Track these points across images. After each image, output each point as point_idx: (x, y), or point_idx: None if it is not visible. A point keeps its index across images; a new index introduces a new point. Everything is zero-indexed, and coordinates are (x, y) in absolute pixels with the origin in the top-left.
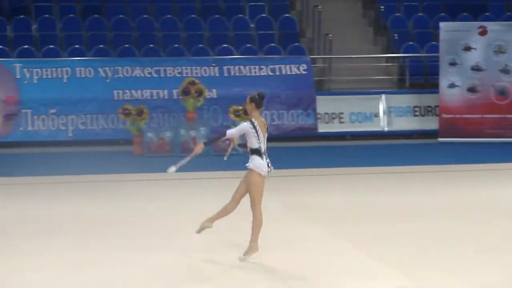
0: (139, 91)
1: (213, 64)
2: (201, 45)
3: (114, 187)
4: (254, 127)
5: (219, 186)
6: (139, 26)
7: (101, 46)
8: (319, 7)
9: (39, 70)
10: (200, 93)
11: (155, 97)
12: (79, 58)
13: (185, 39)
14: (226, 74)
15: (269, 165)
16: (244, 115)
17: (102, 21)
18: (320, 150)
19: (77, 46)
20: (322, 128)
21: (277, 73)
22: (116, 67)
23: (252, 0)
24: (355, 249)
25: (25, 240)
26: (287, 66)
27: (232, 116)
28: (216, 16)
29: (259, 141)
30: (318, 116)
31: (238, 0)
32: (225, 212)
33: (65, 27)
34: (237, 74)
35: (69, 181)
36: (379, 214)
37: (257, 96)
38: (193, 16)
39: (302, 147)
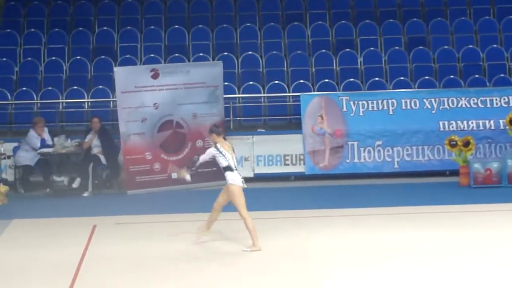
0: (464, 122)
1: None
2: None
3: (443, 218)
4: (218, 149)
5: None
6: (463, 57)
7: (426, 77)
8: None
9: (365, 102)
10: None
11: (481, 128)
12: (404, 90)
13: (511, 69)
14: None
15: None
16: None
17: (426, 52)
18: None
19: (402, 78)
20: None
21: None
22: (441, 98)
23: None
24: None
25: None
26: None
27: None
28: None
29: (226, 159)
30: None
31: None
32: (210, 221)
33: (390, 60)
34: None
35: (397, 212)
36: None
37: (214, 128)
38: None
39: None
